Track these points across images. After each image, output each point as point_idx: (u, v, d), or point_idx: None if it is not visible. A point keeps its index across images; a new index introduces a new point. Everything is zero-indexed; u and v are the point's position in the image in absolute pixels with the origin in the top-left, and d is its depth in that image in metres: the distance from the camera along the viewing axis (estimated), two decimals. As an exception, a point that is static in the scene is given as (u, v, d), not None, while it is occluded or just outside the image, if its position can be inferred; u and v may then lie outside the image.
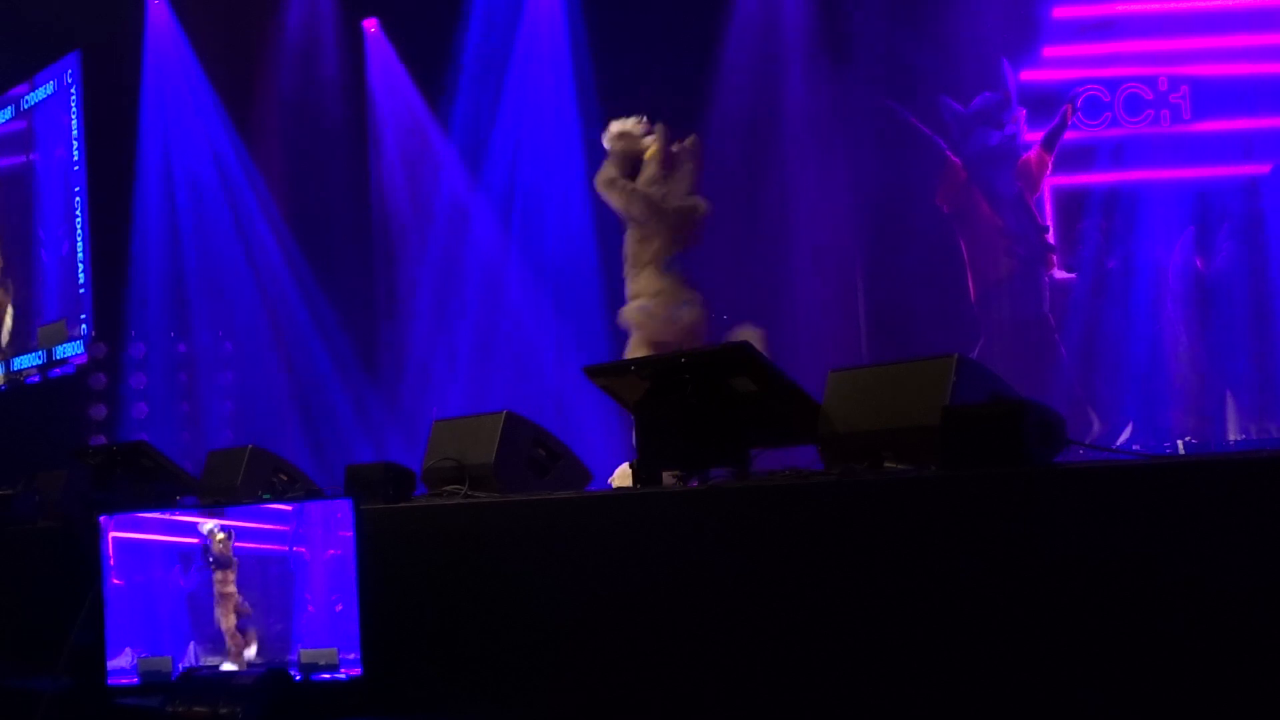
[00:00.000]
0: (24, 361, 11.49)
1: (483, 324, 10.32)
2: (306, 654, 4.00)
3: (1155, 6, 8.76)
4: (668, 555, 3.39)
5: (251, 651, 4.10)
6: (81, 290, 10.79)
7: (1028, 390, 3.37)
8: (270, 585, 4.10)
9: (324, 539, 4.03)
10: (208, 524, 4.15)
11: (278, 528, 4.11)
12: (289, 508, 4.15)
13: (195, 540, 4.20)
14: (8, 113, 12.00)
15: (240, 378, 11.04)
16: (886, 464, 3.25)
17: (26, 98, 11.68)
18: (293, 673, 3.99)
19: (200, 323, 11.03)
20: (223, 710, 3.74)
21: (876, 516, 2.99)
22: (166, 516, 4.31)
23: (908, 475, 3.09)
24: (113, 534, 4.27)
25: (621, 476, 5.77)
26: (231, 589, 4.13)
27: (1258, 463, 2.53)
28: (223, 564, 4.14)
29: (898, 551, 2.91)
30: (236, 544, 4.15)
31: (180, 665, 4.16)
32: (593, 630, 3.56)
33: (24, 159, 11.70)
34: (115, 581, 4.26)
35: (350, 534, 3.96)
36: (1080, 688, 2.60)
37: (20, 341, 11.65)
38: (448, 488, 4.49)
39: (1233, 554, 2.42)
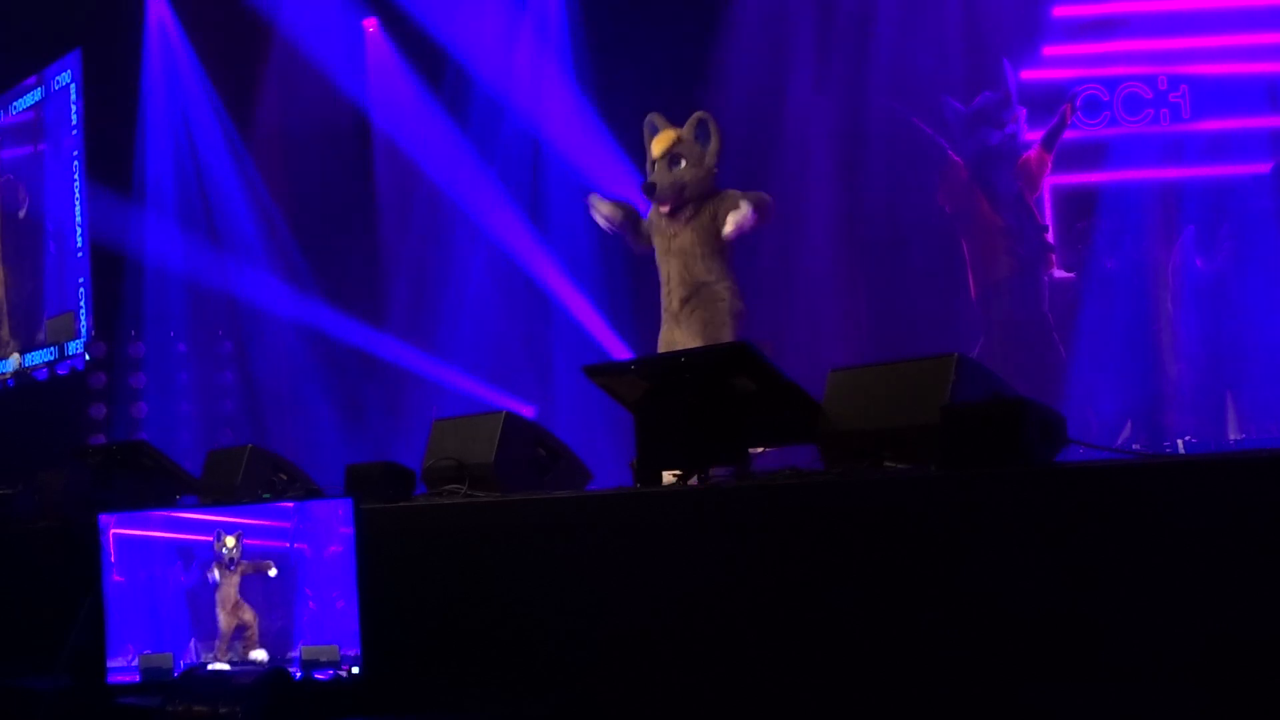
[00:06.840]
0: (35, 358, 11.47)
1: (485, 323, 10.31)
2: (308, 650, 4.01)
3: (1155, 6, 8.75)
4: (667, 555, 3.39)
5: (255, 651, 4.11)
6: (81, 289, 10.78)
7: (1028, 390, 3.36)
8: (272, 582, 4.12)
9: (325, 536, 4.04)
10: (227, 539, 4.16)
11: (279, 524, 4.12)
12: (290, 505, 4.16)
13: (195, 537, 4.20)
14: (2, 113, 12.00)
15: (240, 378, 11.04)
16: (886, 464, 3.25)
17: (24, 97, 11.66)
18: (294, 669, 4.00)
19: (200, 322, 11.02)
20: (223, 710, 3.74)
21: (876, 516, 2.99)
22: (167, 514, 4.32)
23: (908, 475, 3.09)
24: (114, 531, 4.29)
25: None
26: (234, 591, 4.14)
27: (1258, 463, 2.53)
28: (232, 567, 4.15)
29: (898, 551, 2.91)
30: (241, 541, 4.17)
31: (181, 662, 4.16)
32: (592, 629, 3.56)
33: (28, 152, 11.68)
34: (116, 579, 4.27)
35: (350, 530, 3.97)
36: (1080, 687, 2.60)
37: (28, 337, 11.62)
38: (448, 487, 4.50)
39: (1233, 554, 2.43)
